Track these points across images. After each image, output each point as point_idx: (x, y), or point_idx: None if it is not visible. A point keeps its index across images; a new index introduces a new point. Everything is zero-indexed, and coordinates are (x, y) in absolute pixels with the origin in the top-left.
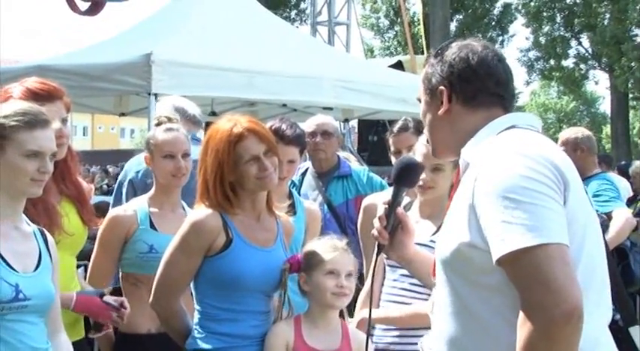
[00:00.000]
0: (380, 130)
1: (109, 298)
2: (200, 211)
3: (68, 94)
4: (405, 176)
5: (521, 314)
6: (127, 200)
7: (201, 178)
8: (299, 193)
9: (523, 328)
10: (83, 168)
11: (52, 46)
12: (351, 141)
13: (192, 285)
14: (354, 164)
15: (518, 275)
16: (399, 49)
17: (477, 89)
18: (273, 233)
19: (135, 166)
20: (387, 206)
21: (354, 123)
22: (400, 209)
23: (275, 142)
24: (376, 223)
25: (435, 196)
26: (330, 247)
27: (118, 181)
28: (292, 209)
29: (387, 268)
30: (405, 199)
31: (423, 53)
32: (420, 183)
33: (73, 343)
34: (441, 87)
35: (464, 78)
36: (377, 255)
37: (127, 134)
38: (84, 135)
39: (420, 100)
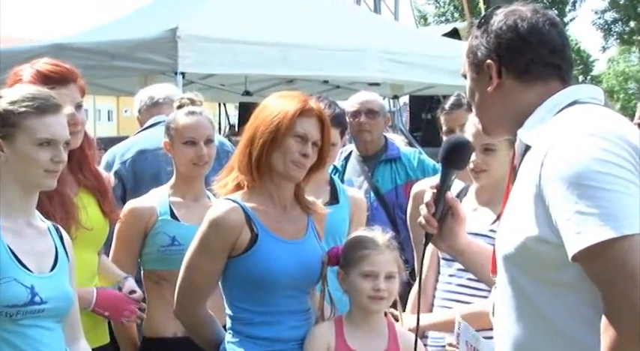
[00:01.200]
0: (434, 107)
1: (127, 289)
2: (219, 207)
3: (89, 75)
4: (454, 157)
5: (604, 318)
6: (115, 195)
7: (241, 146)
8: (342, 180)
9: (608, 331)
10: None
11: (70, 23)
12: (402, 120)
13: (220, 286)
14: (404, 146)
15: (600, 271)
16: (455, 15)
17: (530, 60)
18: (302, 223)
19: (118, 156)
20: (435, 191)
21: (404, 100)
22: (449, 194)
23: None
24: (423, 210)
25: (490, 180)
26: (370, 244)
27: (115, 174)
28: (333, 198)
29: (442, 262)
30: (460, 185)
31: None
32: (471, 166)
33: (97, 349)
34: (489, 61)
35: (513, 48)
36: (425, 246)
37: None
38: (109, 120)
39: (465, 77)
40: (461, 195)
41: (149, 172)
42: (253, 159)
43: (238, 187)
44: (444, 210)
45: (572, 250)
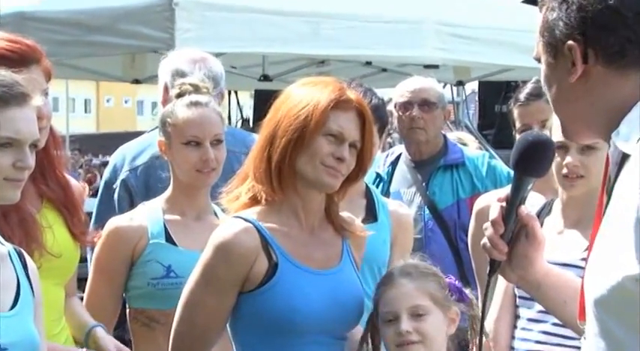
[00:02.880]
0: (510, 97)
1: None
2: (228, 227)
3: (59, 53)
4: (531, 160)
5: None
6: (119, 211)
7: (257, 147)
8: (387, 192)
9: None
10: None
11: None
12: (468, 114)
13: (229, 331)
14: (471, 148)
15: None
16: None
17: (625, 39)
18: (336, 249)
19: (128, 159)
20: (504, 204)
21: (472, 87)
22: (524, 208)
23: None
24: (488, 230)
25: (587, 189)
26: (384, 278)
27: (103, 181)
28: (370, 214)
29: (519, 300)
30: (539, 199)
31: None
32: (565, 171)
33: None
34: (570, 41)
35: (603, 25)
36: (489, 276)
37: (146, 110)
38: (86, 112)
39: (539, 61)
40: (542, 213)
41: (166, 184)
42: (273, 164)
43: (254, 200)
44: (515, 230)
45: None
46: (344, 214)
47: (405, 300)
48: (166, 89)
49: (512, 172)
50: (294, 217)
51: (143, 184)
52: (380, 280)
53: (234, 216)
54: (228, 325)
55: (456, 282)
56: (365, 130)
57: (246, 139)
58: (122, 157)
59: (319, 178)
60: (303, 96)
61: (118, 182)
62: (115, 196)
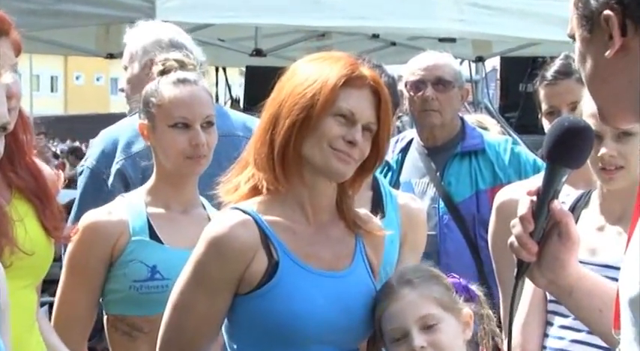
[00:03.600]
0: (537, 75)
1: None
2: (223, 220)
3: (23, 24)
4: (569, 149)
5: None
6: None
7: (258, 130)
8: (396, 182)
9: None
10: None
11: None
12: (488, 94)
13: (223, 336)
14: (492, 133)
15: None
16: None
17: None
18: (347, 247)
19: (122, 144)
20: (534, 199)
21: (493, 64)
22: (557, 203)
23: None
24: (517, 227)
25: (628, 182)
26: (384, 289)
27: (87, 168)
28: (376, 208)
29: (551, 305)
30: (569, 189)
31: None
32: (601, 164)
33: None
34: (607, 11)
35: None
36: (517, 279)
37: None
38: (52, 91)
39: (573, 38)
40: (579, 206)
41: None
42: (276, 148)
43: (256, 191)
44: (547, 228)
45: None
46: (360, 210)
47: (412, 312)
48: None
49: (538, 161)
50: (300, 210)
51: (142, 175)
52: (377, 294)
53: (232, 207)
54: (222, 332)
55: (460, 280)
56: (381, 111)
57: (247, 121)
58: (112, 141)
59: (328, 163)
60: (310, 72)
61: (113, 171)
62: (107, 187)
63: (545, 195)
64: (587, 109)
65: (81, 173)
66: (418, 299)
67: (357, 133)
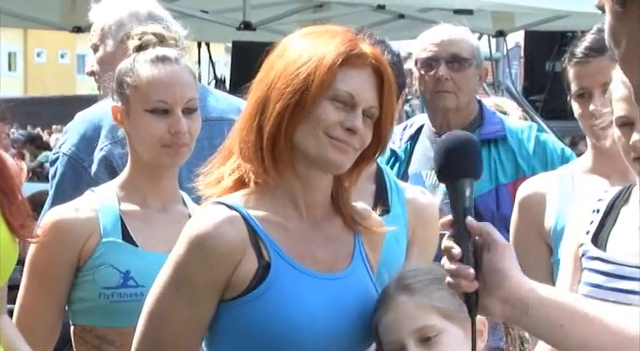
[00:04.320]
0: (566, 52)
1: None
2: (206, 216)
3: None
4: (451, 161)
5: None
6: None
7: (244, 115)
8: (404, 174)
9: None
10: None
11: None
12: (510, 74)
13: (205, 349)
14: (513, 118)
15: None
16: None
17: None
18: (345, 246)
19: (107, 128)
20: (451, 230)
21: (516, 39)
22: (471, 219)
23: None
24: (445, 262)
25: None
26: (382, 297)
27: (65, 157)
28: (381, 203)
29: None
30: (604, 183)
31: None
32: (634, 154)
33: None
34: None
35: None
36: (472, 316)
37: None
38: (10, 69)
39: (602, 9)
40: (617, 203)
41: None
42: (265, 136)
43: (241, 184)
44: (474, 249)
45: None
46: (358, 204)
47: (407, 323)
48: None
49: (567, 150)
50: (293, 205)
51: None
52: (377, 301)
53: (215, 201)
54: (204, 344)
55: None
56: (383, 94)
57: (241, 104)
58: (94, 125)
59: (323, 153)
60: (303, 49)
61: (96, 158)
62: (89, 175)
63: (457, 215)
64: (617, 93)
65: (54, 161)
66: (414, 309)
67: (356, 119)
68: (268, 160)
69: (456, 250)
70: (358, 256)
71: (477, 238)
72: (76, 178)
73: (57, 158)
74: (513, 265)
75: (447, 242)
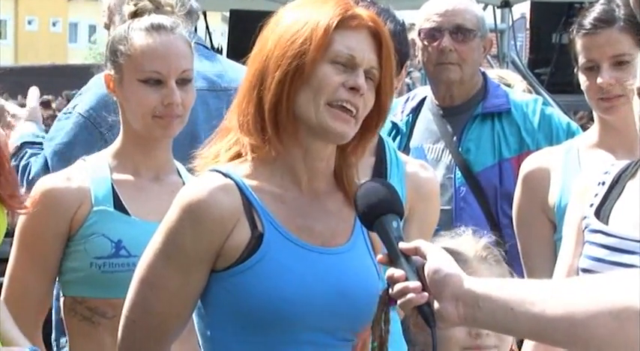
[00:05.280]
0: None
1: None
2: (198, 183)
3: None
4: (371, 211)
5: None
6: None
7: (243, 88)
8: (405, 147)
9: None
10: None
11: None
12: (516, 46)
13: (195, 320)
14: (518, 91)
15: None
16: None
17: None
18: (345, 221)
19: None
20: (389, 265)
21: (522, 9)
22: (403, 244)
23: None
24: (394, 287)
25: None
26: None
27: (80, 117)
28: (379, 176)
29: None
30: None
31: None
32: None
33: None
34: None
35: None
36: (431, 328)
37: (81, 36)
38: (0, 38)
39: None
40: (624, 177)
41: (114, 132)
42: (267, 107)
43: (238, 158)
44: (414, 268)
45: None
46: (362, 180)
47: None
48: (111, 13)
49: (572, 124)
50: (292, 176)
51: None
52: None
53: (210, 169)
54: (195, 314)
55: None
56: (382, 57)
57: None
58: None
59: (324, 122)
60: (297, 17)
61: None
62: (106, 141)
63: (391, 248)
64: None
65: (65, 119)
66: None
67: (359, 77)
68: (272, 131)
69: (398, 272)
70: (359, 232)
71: (414, 257)
72: (90, 142)
73: (68, 117)
74: (453, 264)
75: (388, 272)
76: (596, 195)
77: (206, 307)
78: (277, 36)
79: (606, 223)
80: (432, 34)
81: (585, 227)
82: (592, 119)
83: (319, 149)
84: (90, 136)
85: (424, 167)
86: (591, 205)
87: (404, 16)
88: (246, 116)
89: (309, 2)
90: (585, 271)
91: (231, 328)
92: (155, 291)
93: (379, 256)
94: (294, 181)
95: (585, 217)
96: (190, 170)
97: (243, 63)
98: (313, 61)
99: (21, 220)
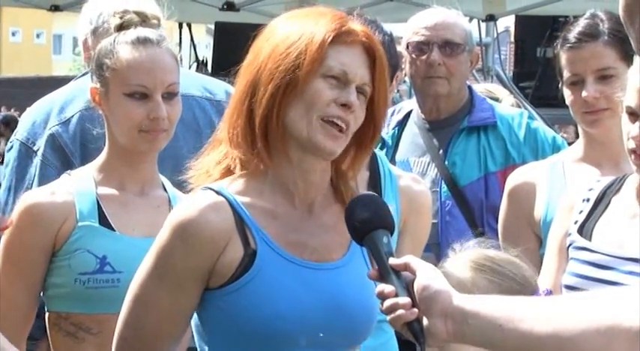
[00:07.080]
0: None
1: None
2: (192, 202)
3: None
4: (363, 226)
5: None
6: (42, 180)
7: (233, 101)
8: (391, 160)
9: None
10: None
11: None
12: (500, 59)
13: (194, 336)
14: (504, 105)
15: None
16: None
17: None
18: (340, 236)
19: (56, 110)
20: (379, 279)
21: (506, 23)
22: (393, 260)
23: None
24: (384, 303)
25: (615, 125)
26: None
27: (18, 143)
28: (374, 190)
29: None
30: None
31: None
32: (631, 144)
33: None
34: None
35: None
36: (421, 345)
37: (66, 47)
38: None
39: None
40: (609, 192)
41: (100, 145)
42: (257, 120)
43: (228, 173)
44: (403, 283)
45: None
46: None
47: None
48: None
49: (558, 138)
50: (284, 190)
51: (80, 142)
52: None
53: (203, 187)
54: (193, 330)
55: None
56: (376, 72)
57: (228, 88)
58: (46, 110)
59: (313, 138)
60: (292, 29)
61: (43, 140)
62: (36, 160)
63: (382, 264)
64: (634, 81)
65: (10, 149)
66: None
67: (350, 95)
68: (262, 144)
69: (388, 288)
70: (355, 247)
71: (404, 273)
72: (28, 164)
73: (12, 146)
74: (442, 280)
75: (378, 287)
76: (581, 212)
77: (203, 324)
78: (271, 48)
79: (589, 239)
80: (420, 48)
81: (570, 244)
82: (577, 135)
83: (310, 162)
84: (28, 157)
85: (416, 180)
86: (575, 222)
87: (391, 29)
88: (235, 129)
89: (304, 14)
90: (570, 288)
91: (227, 345)
92: (147, 310)
93: (369, 272)
94: (286, 196)
95: (569, 234)
96: (183, 182)
97: (228, 75)
98: (307, 75)
99: (6, 234)
